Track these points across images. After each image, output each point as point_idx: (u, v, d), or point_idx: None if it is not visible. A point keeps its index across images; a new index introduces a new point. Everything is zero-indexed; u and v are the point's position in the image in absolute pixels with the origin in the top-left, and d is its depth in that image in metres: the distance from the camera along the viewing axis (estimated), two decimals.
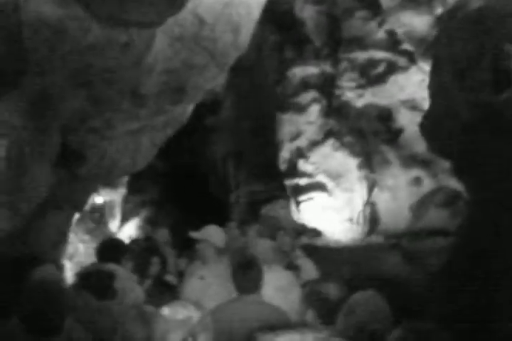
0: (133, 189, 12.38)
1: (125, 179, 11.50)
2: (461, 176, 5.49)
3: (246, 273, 4.05)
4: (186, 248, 6.56)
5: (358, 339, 2.27)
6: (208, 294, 4.82)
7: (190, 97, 6.38)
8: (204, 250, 5.43)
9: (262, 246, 5.31)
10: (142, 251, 6.39)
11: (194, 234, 5.53)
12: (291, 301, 4.50)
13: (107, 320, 3.77)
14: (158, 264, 5.94)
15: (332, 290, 3.70)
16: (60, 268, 6.80)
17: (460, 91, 4.63)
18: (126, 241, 7.26)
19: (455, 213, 8.67)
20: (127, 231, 12.15)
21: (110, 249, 5.31)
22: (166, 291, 5.00)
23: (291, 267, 5.37)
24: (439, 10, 8.86)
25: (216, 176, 11.96)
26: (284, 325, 2.78)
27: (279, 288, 4.61)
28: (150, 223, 12.42)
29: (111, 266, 4.85)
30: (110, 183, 10.42)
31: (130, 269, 5.42)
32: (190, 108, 7.17)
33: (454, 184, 8.46)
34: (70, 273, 8.08)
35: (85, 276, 4.38)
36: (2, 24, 4.17)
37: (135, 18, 4.42)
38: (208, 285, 5.09)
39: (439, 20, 8.65)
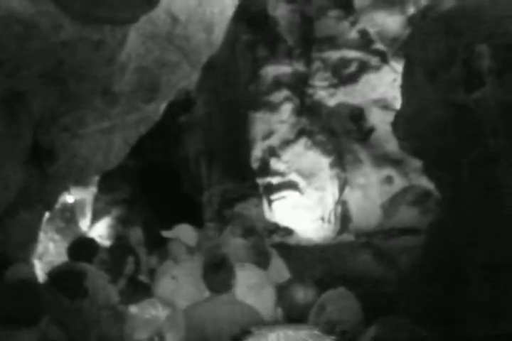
0: (104, 188, 12.28)
1: (96, 178, 11.40)
2: (432, 175, 5.54)
3: (216, 273, 4.06)
4: (158, 247, 6.53)
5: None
6: (180, 294, 4.80)
7: (163, 95, 6.37)
8: (176, 249, 5.42)
9: (234, 245, 5.30)
10: (115, 250, 6.34)
11: (166, 233, 5.51)
12: (264, 299, 4.51)
13: (79, 320, 3.74)
14: (133, 263, 5.90)
15: (302, 293, 3.72)
16: (31, 267, 6.72)
17: (432, 91, 4.67)
18: (97, 240, 7.19)
19: (425, 211, 8.76)
20: (98, 231, 12.06)
21: (81, 248, 5.27)
22: (139, 291, 4.97)
23: (263, 266, 5.36)
24: (411, 10, 8.93)
25: (189, 175, 11.92)
26: (257, 324, 2.78)
27: (251, 286, 4.61)
28: (121, 222, 12.34)
29: (82, 266, 4.82)
30: (81, 182, 10.33)
31: (103, 269, 5.38)
32: (163, 106, 7.15)
33: (425, 183, 8.54)
34: (40, 273, 7.98)
35: (56, 276, 4.34)
36: None
37: (108, 16, 4.38)
38: (180, 284, 5.07)
39: (412, 20, 8.73)
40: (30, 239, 7.49)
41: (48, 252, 10.42)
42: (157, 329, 2.32)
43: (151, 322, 2.32)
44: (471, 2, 4.76)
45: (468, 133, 4.43)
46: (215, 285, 4.02)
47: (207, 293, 4.13)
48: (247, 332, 1.16)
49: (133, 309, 2.39)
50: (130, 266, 5.75)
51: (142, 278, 6.20)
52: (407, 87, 5.30)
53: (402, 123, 5.32)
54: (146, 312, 2.36)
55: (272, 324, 2.99)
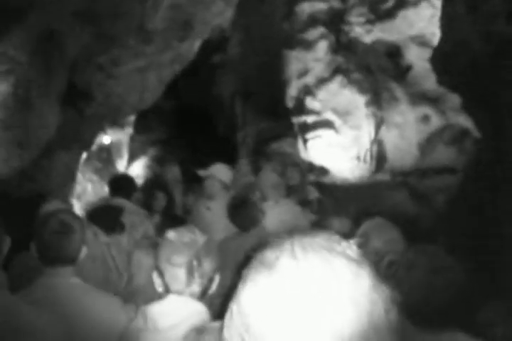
0: (140, 128, 12.37)
1: (131, 118, 11.47)
2: (470, 113, 5.46)
3: (238, 212, 4.16)
4: (194, 185, 6.61)
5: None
6: (214, 226, 4.89)
7: (197, 33, 6.31)
8: (211, 186, 5.52)
9: (269, 182, 5.34)
10: (148, 186, 6.45)
11: (201, 172, 5.61)
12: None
13: (118, 253, 3.83)
14: (164, 199, 6.00)
15: (337, 224, 3.76)
16: (68, 204, 6.87)
17: (472, 24, 4.54)
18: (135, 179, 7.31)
19: (462, 151, 8.66)
20: (135, 170, 12.21)
21: (120, 184, 5.38)
22: (174, 224, 5.06)
23: (304, 203, 5.41)
24: None
25: (223, 114, 11.91)
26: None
27: (284, 221, 4.66)
28: (158, 162, 12.46)
29: (119, 201, 4.92)
30: (117, 122, 10.41)
31: (138, 204, 5.49)
32: (197, 44, 7.09)
33: (463, 121, 8.42)
34: (79, 212, 8.16)
35: (94, 211, 4.43)
36: None
37: None
38: (215, 216, 5.17)
39: None
40: (69, 179, 7.63)
41: (86, 192, 10.62)
42: (195, 253, 2.35)
43: (190, 246, 2.35)
44: None
45: (509, 68, 4.32)
46: (240, 223, 4.13)
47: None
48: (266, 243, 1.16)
49: (171, 233, 2.42)
50: (161, 201, 5.87)
51: (180, 213, 6.32)
52: (446, 21, 5.16)
53: (440, 58, 5.20)
54: (185, 236, 2.39)
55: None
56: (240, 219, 4.16)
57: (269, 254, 1.14)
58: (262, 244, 1.19)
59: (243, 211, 4.17)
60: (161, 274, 2.39)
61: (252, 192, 5.27)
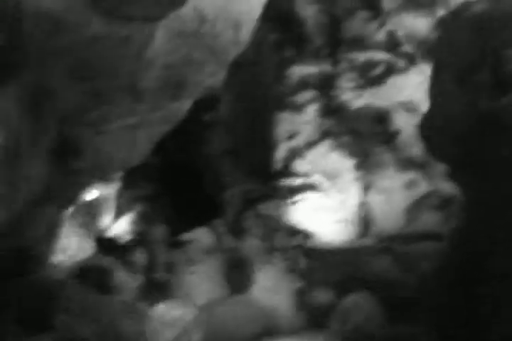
0: (127, 184, 12.30)
1: (119, 174, 11.43)
2: (457, 179, 5.49)
3: (238, 272, 4.10)
4: (179, 244, 6.56)
5: None
6: (199, 290, 4.82)
7: (189, 93, 6.36)
8: (194, 251, 5.49)
9: (255, 247, 5.31)
10: (131, 245, 6.40)
11: (184, 236, 5.62)
12: (279, 303, 4.50)
13: (105, 315, 3.75)
14: (145, 259, 5.93)
15: (323, 296, 3.71)
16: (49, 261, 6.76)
17: (461, 95, 4.62)
18: (122, 236, 7.24)
19: (449, 217, 8.68)
20: (121, 226, 12.08)
21: (107, 244, 5.34)
22: (156, 288, 5.00)
23: (292, 269, 5.35)
24: (440, 12, 8.85)
25: (211, 173, 11.90)
26: (275, 328, 2.76)
27: (269, 289, 4.61)
28: (143, 219, 12.36)
29: (109, 261, 4.86)
30: (105, 178, 10.37)
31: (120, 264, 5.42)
32: (188, 104, 7.14)
33: (449, 188, 8.45)
34: (62, 267, 8.02)
35: (84, 271, 4.36)
36: (3, 16, 4.14)
37: (137, 13, 4.40)
38: (199, 281, 5.11)
39: (441, 22, 8.64)
40: (52, 234, 7.53)
41: (71, 247, 10.47)
42: (185, 328, 2.30)
43: (178, 322, 2.30)
44: (504, 5, 4.68)
45: (495, 139, 4.37)
46: (236, 284, 4.06)
47: (224, 292, 4.16)
48: None
49: (159, 308, 2.37)
50: (141, 261, 5.80)
51: (160, 274, 6.23)
52: (435, 91, 5.24)
53: (428, 126, 5.27)
54: (173, 312, 2.34)
55: (291, 329, 2.96)
56: (238, 280, 4.10)
57: None
58: None
59: (243, 272, 4.12)
60: None
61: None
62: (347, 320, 2.97)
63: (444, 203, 8.84)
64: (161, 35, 5.14)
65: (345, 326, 2.76)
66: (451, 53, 4.96)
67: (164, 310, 2.21)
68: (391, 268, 8.15)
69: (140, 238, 7.65)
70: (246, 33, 6.07)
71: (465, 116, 4.58)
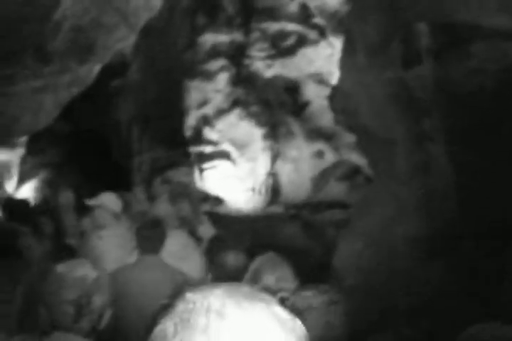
0: (32, 150, 11.97)
1: (24, 139, 11.09)
2: (364, 150, 5.63)
3: (150, 233, 4.09)
4: (88, 210, 6.47)
5: None
6: (106, 256, 4.78)
7: (98, 57, 6.23)
8: (101, 216, 5.43)
9: (163, 213, 5.30)
10: (36, 211, 6.28)
11: (91, 201, 5.53)
12: (192, 265, 4.53)
13: (7, 279, 3.67)
14: (50, 225, 5.85)
15: (232, 258, 3.74)
16: None
17: (371, 67, 4.71)
18: (26, 202, 7.07)
19: (354, 187, 8.90)
20: (24, 193, 11.78)
21: (14, 208, 5.23)
22: (65, 253, 4.91)
23: (194, 235, 5.37)
24: None
25: (119, 140, 11.72)
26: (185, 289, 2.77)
27: (178, 252, 4.61)
28: (49, 185, 12.09)
29: (14, 225, 4.76)
30: (8, 142, 10.04)
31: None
32: (96, 68, 6.98)
33: (355, 158, 8.67)
34: None
35: None
36: None
37: None
38: (107, 246, 5.06)
39: None
40: None
41: None
42: (85, 289, 2.26)
43: (80, 282, 2.26)
44: None
45: (404, 110, 4.50)
46: (147, 245, 4.04)
47: (133, 257, 4.14)
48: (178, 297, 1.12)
49: (60, 267, 2.31)
50: (47, 227, 5.72)
51: (71, 240, 6.15)
52: (346, 63, 5.33)
53: (339, 97, 5.36)
54: (75, 272, 2.29)
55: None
56: (150, 241, 4.06)
57: (198, 318, 1.10)
58: (179, 295, 1.15)
59: (154, 232, 4.09)
60: (48, 309, 2.28)
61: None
62: (257, 280, 3.02)
63: (349, 173, 9.05)
64: None
65: (256, 286, 2.81)
66: (362, 26, 5.04)
67: (65, 270, 2.17)
68: (300, 234, 8.34)
69: (45, 203, 7.49)
70: None
71: (375, 88, 4.68)
